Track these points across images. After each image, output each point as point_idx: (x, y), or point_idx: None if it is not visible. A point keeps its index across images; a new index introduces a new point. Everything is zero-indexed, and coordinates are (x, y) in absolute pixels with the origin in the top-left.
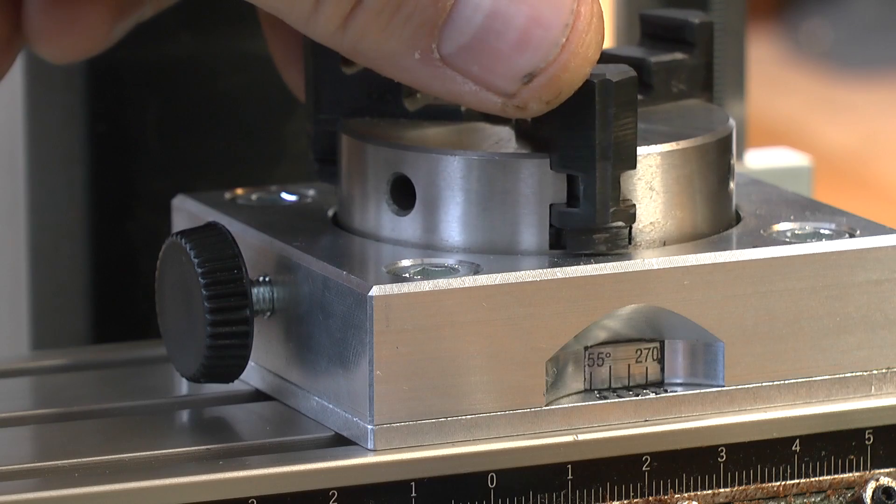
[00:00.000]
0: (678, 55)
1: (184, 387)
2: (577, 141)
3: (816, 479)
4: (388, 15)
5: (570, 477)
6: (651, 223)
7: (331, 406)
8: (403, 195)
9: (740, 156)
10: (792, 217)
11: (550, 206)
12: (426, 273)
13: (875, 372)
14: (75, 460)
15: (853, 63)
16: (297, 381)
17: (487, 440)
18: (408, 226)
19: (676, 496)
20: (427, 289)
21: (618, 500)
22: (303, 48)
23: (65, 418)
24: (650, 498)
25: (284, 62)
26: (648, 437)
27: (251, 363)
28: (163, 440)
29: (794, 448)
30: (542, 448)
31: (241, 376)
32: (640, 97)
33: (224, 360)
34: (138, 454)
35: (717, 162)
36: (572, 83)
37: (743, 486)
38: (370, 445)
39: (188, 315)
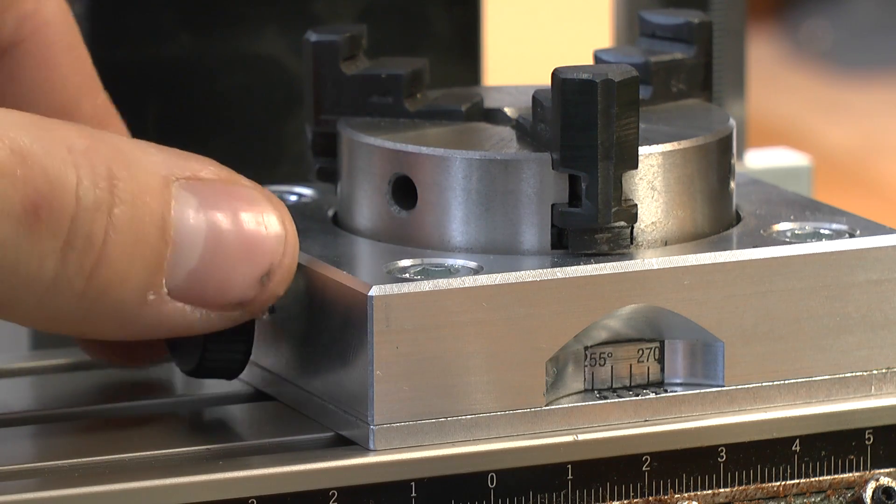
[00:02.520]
0: (678, 55)
1: (183, 387)
2: (579, 141)
3: (816, 479)
4: (127, 259)
5: (570, 477)
6: (652, 223)
7: (331, 406)
8: (404, 195)
9: (740, 156)
10: (792, 217)
11: (552, 205)
12: (426, 273)
13: (875, 372)
14: (75, 460)
15: (853, 63)
16: (297, 381)
17: (487, 440)
18: (408, 226)
19: (676, 496)
20: (427, 289)
21: (618, 500)
22: (303, 48)
23: (65, 418)
24: (650, 498)
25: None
26: (648, 437)
27: (251, 363)
28: (163, 440)
29: (794, 448)
30: (542, 448)
31: (241, 376)
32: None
33: (223, 355)
34: (138, 454)
35: (717, 162)
36: (294, 264)
37: (743, 486)
38: (370, 445)
39: None
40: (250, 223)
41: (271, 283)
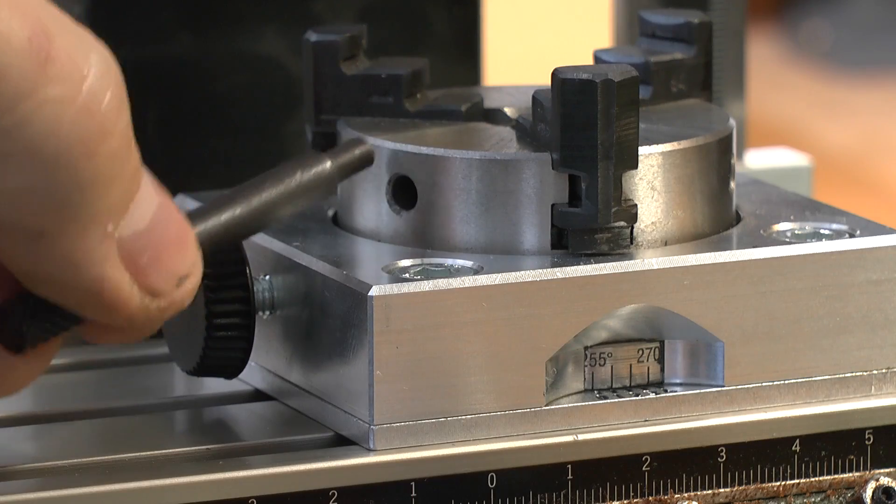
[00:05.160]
0: (678, 55)
1: (183, 387)
2: (579, 141)
3: (816, 479)
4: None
5: (570, 477)
6: (652, 223)
7: (331, 406)
8: (404, 195)
9: (740, 156)
10: (792, 217)
11: (552, 205)
12: (426, 273)
13: (875, 372)
14: (75, 460)
15: (853, 63)
16: (297, 380)
17: (487, 440)
18: (408, 226)
19: (676, 496)
20: (427, 289)
21: (618, 500)
22: (303, 48)
23: (65, 418)
24: (650, 498)
25: None
26: (648, 437)
27: (251, 363)
28: (162, 440)
29: (794, 448)
30: (542, 448)
31: (241, 376)
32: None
33: (223, 354)
34: (138, 454)
35: (717, 162)
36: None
37: (743, 486)
38: (370, 445)
39: (190, 307)
40: (182, 216)
41: (183, 288)
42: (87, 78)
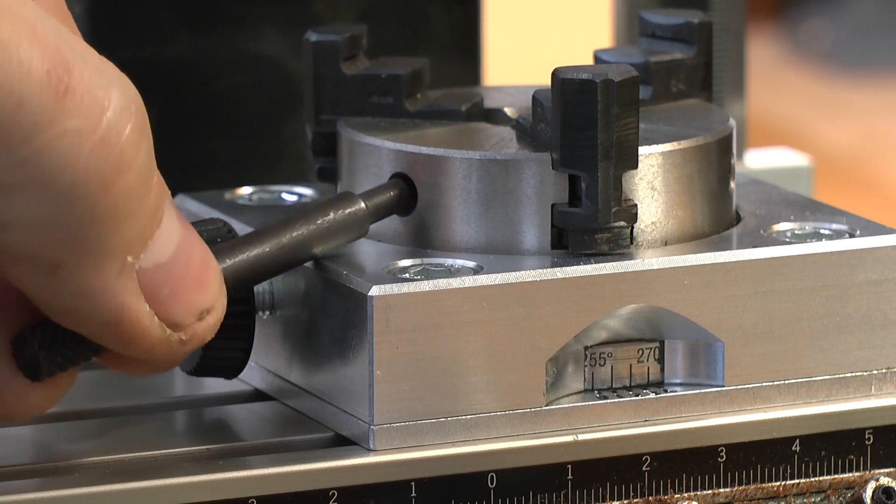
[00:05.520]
0: (678, 55)
1: (183, 387)
2: (579, 141)
3: (816, 479)
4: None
5: (570, 477)
6: (652, 223)
7: (331, 406)
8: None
9: (740, 156)
10: (792, 217)
11: (552, 205)
12: (426, 273)
13: (875, 372)
14: (75, 460)
15: (853, 63)
16: (297, 381)
17: (487, 440)
18: (408, 226)
19: (676, 496)
20: (427, 289)
21: (618, 500)
22: (303, 48)
23: (65, 418)
24: (650, 498)
25: None
26: (648, 437)
27: (251, 363)
28: (163, 440)
29: (794, 448)
30: (542, 448)
31: (241, 376)
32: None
33: (223, 354)
34: (138, 454)
35: (717, 162)
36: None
37: (743, 486)
38: (370, 445)
39: None
40: (205, 248)
41: (205, 321)
42: (107, 111)
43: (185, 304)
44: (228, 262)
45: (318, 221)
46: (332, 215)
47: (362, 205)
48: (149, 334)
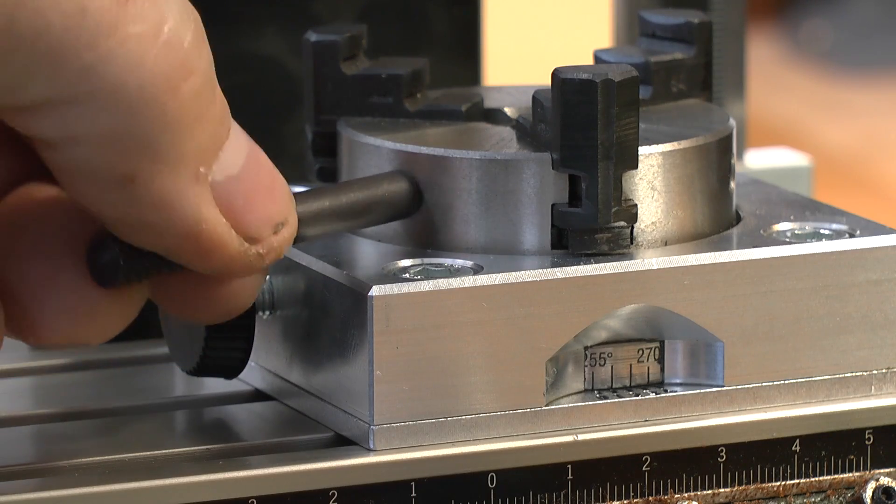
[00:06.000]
0: (678, 55)
1: (183, 387)
2: (579, 141)
3: (816, 479)
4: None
5: (570, 477)
6: (653, 223)
7: (331, 406)
8: None
9: (740, 156)
10: (792, 217)
11: (552, 205)
12: (426, 273)
13: (875, 372)
14: (75, 460)
15: (853, 63)
16: (297, 381)
17: (487, 440)
18: (408, 226)
19: (676, 496)
20: (427, 289)
21: (618, 500)
22: (303, 48)
23: (65, 418)
24: (650, 498)
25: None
26: (648, 437)
27: (251, 363)
28: (163, 440)
29: (794, 448)
30: (542, 448)
31: (241, 376)
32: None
33: (223, 354)
34: (138, 454)
35: (717, 162)
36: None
37: (743, 486)
38: (370, 445)
39: None
40: (276, 170)
41: (280, 235)
42: (168, 19)
43: (260, 216)
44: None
45: (371, 189)
46: (385, 185)
47: (406, 184)
48: (227, 247)
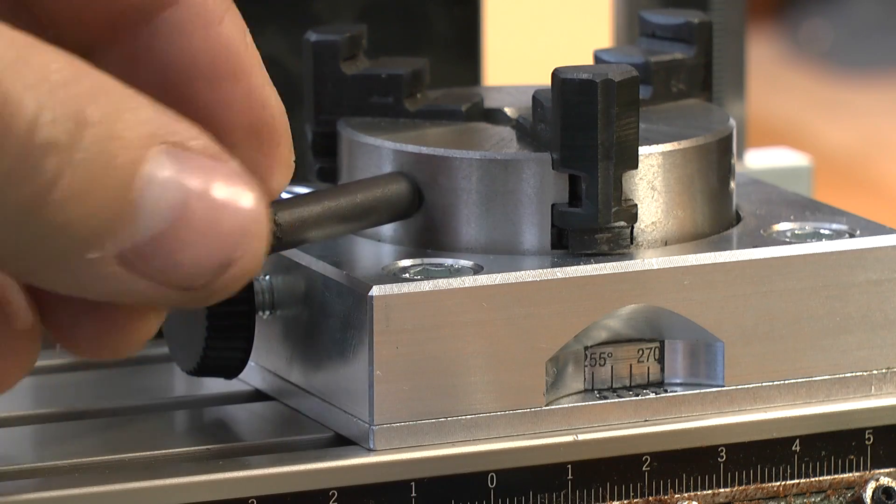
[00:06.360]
0: (678, 55)
1: (183, 387)
2: (579, 141)
3: (816, 479)
4: (76, 209)
5: (570, 477)
6: (653, 223)
7: (331, 406)
8: None
9: (740, 156)
10: (792, 217)
11: (552, 205)
12: (426, 273)
13: (875, 372)
14: (75, 460)
15: (853, 63)
16: (297, 381)
17: (487, 440)
18: (408, 226)
19: (676, 496)
20: (427, 289)
21: (618, 500)
22: (303, 48)
23: (65, 418)
24: (650, 498)
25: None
26: (648, 437)
27: (251, 363)
28: (162, 440)
29: (794, 448)
30: (542, 448)
31: (241, 376)
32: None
33: (223, 354)
34: (138, 454)
35: (717, 162)
36: (261, 255)
37: (743, 486)
38: (370, 445)
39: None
40: (221, 199)
41: (228, 275)
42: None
43: (191, 269)
44: (289, 210)
45: (369, 190)
46: (383, 186)
47: (406, 185)
48: (161, 301)
